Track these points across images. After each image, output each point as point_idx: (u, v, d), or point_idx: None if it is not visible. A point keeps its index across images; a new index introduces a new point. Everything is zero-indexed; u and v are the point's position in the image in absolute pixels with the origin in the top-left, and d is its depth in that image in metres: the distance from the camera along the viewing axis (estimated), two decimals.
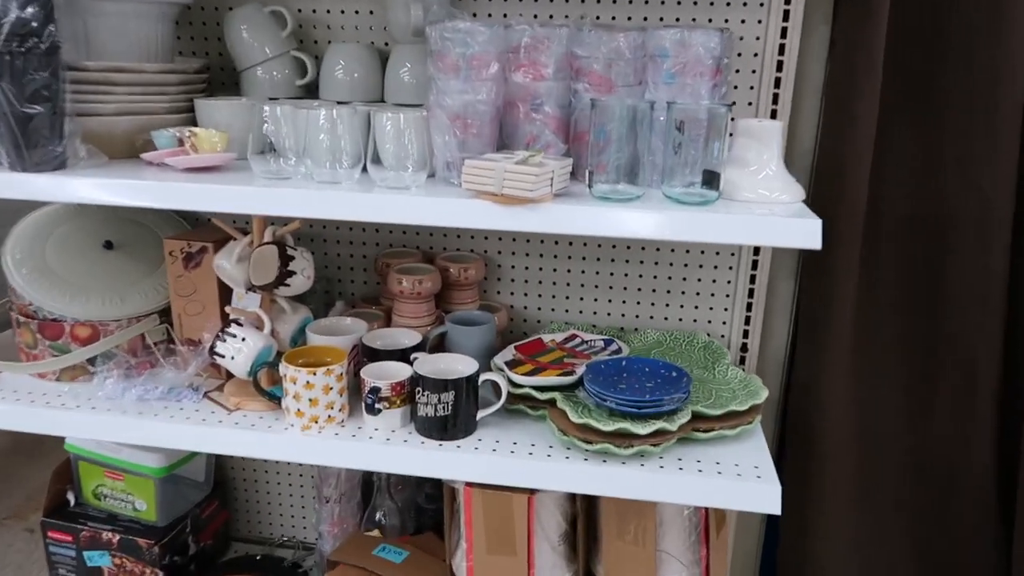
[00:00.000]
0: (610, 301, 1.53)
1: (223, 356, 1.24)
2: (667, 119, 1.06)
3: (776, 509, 1.11)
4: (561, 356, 1.36)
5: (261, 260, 1.24)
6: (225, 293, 1.34)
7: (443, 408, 1.18)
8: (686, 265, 1.49)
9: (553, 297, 1.55)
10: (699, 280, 1.49)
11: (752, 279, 1.47)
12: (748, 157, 1.11)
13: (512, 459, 1.16)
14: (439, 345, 1.37)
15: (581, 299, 1.54)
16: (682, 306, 1.52)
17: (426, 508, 1.59)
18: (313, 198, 1.09)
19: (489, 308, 1.51)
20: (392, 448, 1.18)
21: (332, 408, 1.22)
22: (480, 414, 1.22)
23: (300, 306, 1.36)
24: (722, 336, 1.53)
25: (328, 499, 1.58)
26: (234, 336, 1.24)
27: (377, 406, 1.19)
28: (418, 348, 1.30)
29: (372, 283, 1.60)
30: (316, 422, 1.21)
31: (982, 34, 1.29)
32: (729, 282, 1.49)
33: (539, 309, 1.56)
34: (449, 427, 1.19)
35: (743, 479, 1.12)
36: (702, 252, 1.48)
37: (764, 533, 1.68)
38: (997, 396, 1.45)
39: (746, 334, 1.51)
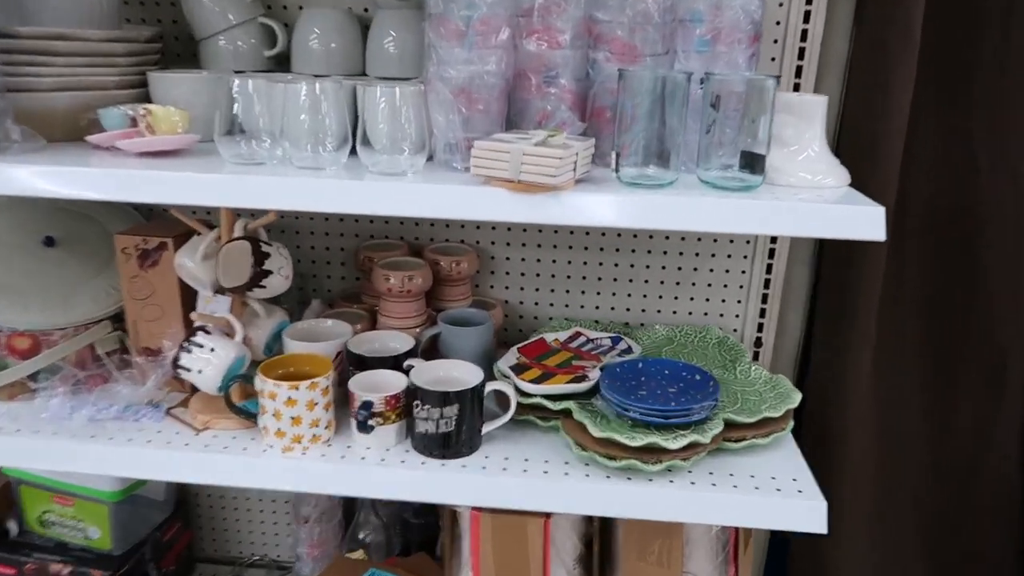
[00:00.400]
0: (614, 294, 1.41)
1: (189, 370, 1.08)
2: (704, 92, 0.93)
3: (823, 527, 1.00)
4: (568, 358, 1.23)
5: (232, 258, 1.08)
6: (188, 296, 1.18)
7: (446, 424, 1.04)
8: (697, 254, 1.37)
9: (552, 291, 1.42)
10: (711, 270, 1.38)
11: (768, 268, 1.36)
12: (787, 136, 0.99)
13: (526, 479, 1.03)
14: (431, 348, 1.23)
15: (583, 292, 1.41)
16: (692, 299, 1.40)
17: (414, 523, 1.46)
18: (293, 187, 0.93)
19: (483, 305, 1.37)
20: (389, 471, 1.04)
21: (317, 426, 1.07)
22: (486, 428, 1.09)
23: (275, 308, 1.20)
24: (735, 330, 1.42)
25: (307, 519, 1.43)
26: (201, 346, 1.08)
27: (370, 423, 1.05)
28: (410, 353, 1.16)
29: (351, 278, 1.45)
30: (299, 442, 1.06)
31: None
32: (744, 272, 1.37)
33: (536, 304, 1.43)
34: (452, 444, 1.06)
35: (784, 495, 1.01)
36: (714, 240, 1.36)
37: (770, 538, 1.59)
38: None
39: (760, 327, 1.40)
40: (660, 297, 1.40)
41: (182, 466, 1.07)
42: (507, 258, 1.40)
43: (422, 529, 1.45)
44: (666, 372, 1.16)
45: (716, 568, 1.15)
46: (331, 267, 1.44)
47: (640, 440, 1.00)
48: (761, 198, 0.90)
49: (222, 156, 0.99)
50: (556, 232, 1.38)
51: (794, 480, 1.05)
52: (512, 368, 1.16)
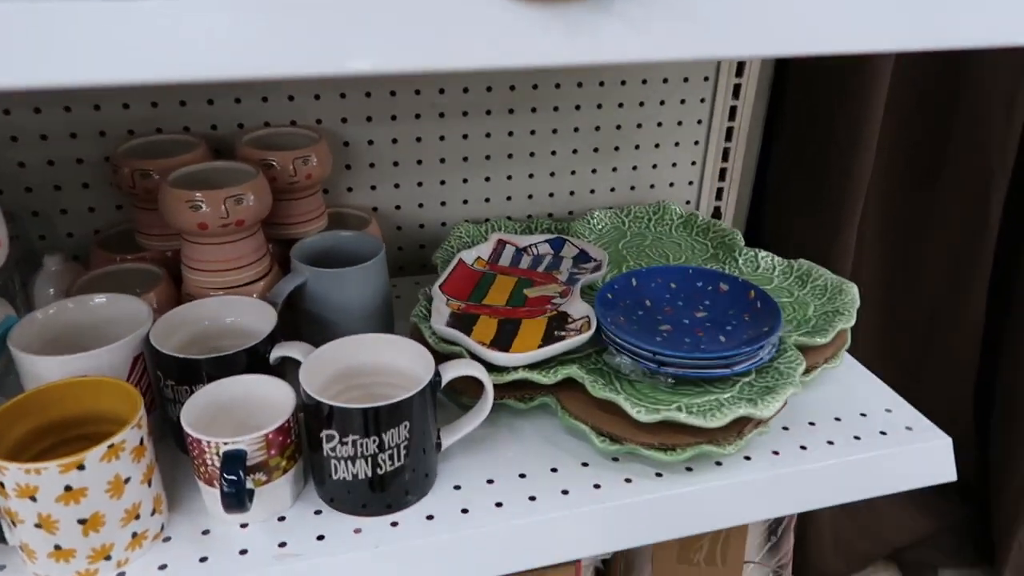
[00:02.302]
0: (531, 177, 0.97)
1: None
2: None
3: (952, 471, 0.71)
4: (515, 286, 0.80)
5: None
6: None
7: (390, 459, 0.58)
8: (621, 105, 0.96)
9: (442, 184, 0.94)
10: (659, 124, 0.98)
11: (732, 113, 1.00)
12: None
13: (538, 514, 0.61)
14: (291, 313, 0.73)
15: (487, 180, 0.95)
16: (635, 167, 1.00)
17: None
18: None
19: (349, 222, 0.87)
20: (310, 566, 0.56)
21: (136, 518, 0.55)
22: (448, 440, 0.64)
23: None
24: (687, 202, 1.06)
25: None
26: None
27: (247, 487, 0.55)
28: (273, 336, 0.65)
29: (107, 211, 0.86)
30: (103, 558, 0.54)
31: None
32: (700, 122, 1.00)
33: (420, 206, 0.95)
34: (402, 485, 0.60)
35: (897, 440, 0.69)
36: (664, 80, 0.96)
37: None
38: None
39: (720, 194, 1.05)
40: (594, 171, 0.99)
41: None
42: (369, 140, 0.90)
43: None
44: (673, 287, 0.78)
45: (763, 555, 0.83)
46: (63, 193, 0.84)
47: (723, 417, 0.61)
48: None
49: None
50: (443, 91, 0.89)
51: (888, 411, 0.73)
52: (453, 324, 0.71)
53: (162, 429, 0.66)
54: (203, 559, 0.56)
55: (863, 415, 0.72)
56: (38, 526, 0.51)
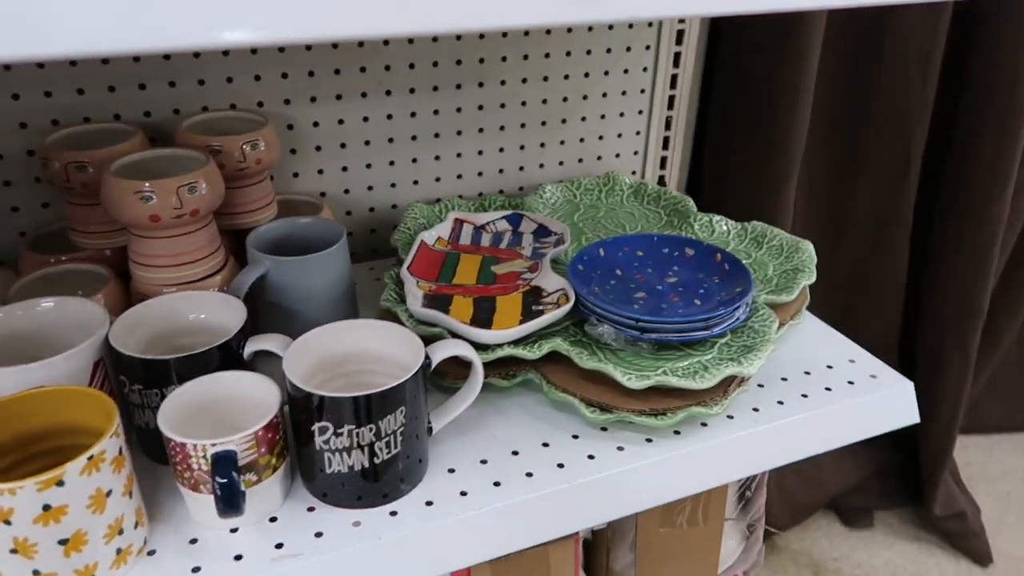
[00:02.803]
0: (481, 154, 0.95)
1: None
2: None
3: (915, 415, 0.74)
4: (481, 264, 0.78)
5: None
6: None
7: (386, 446, 0.56)
8: (566, 77, 0.96)
9: (392, 164, 0.92)
10: (603, 95, 0.98)
11: (673, 81, 1.01)
12: None
13: (538, 489, 0.60)
14: (251, 302, 0.70)
15: (436, 158, 0.93)
16: (583, 139, 1.00)
17: None
18: None
19: (296, 209, 0.84)
20: (308, 565, 0.54)
21: (119, 534, 0.51)
22: (438, 423, 0.62)
23: None
24: (633, 172, 1.06)
25: None
26: None
27: (240, 490, 0.52)
28: (244, 330, 0.62)
29: (32, 209, 0.79)
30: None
31: None
32: (643, 91, 1.00)
33: (370, 189, 0.92)
34: (397, 473, 0.58)
35: (865, 387, 0.72)
36: (608, 50, 0.96)
37: None
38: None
39: (664, 163, 1.06)
40: (542, 144, 0.98)
41: None
42: (315, 122, 0.86)
43: None
44: (640, 254, 0.78)
45: (739, 512, 0.85)
46: None
47: (712, 377, 0.62)
48: None
49: None
50: (389, 68, 0.86)
51: (852, 362, 0.76)
52: (429, 306, 0.69)
53: (127, 437, 0.61)
54: (195, 569, 0.53)
55: (829, 367, 0.75)
56: (13, 551, 0.47)
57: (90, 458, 0.48)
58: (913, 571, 1.42)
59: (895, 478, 1.55)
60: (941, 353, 1.38)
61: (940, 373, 1.39)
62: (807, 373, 0.74)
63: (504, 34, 0.88)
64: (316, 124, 0.86)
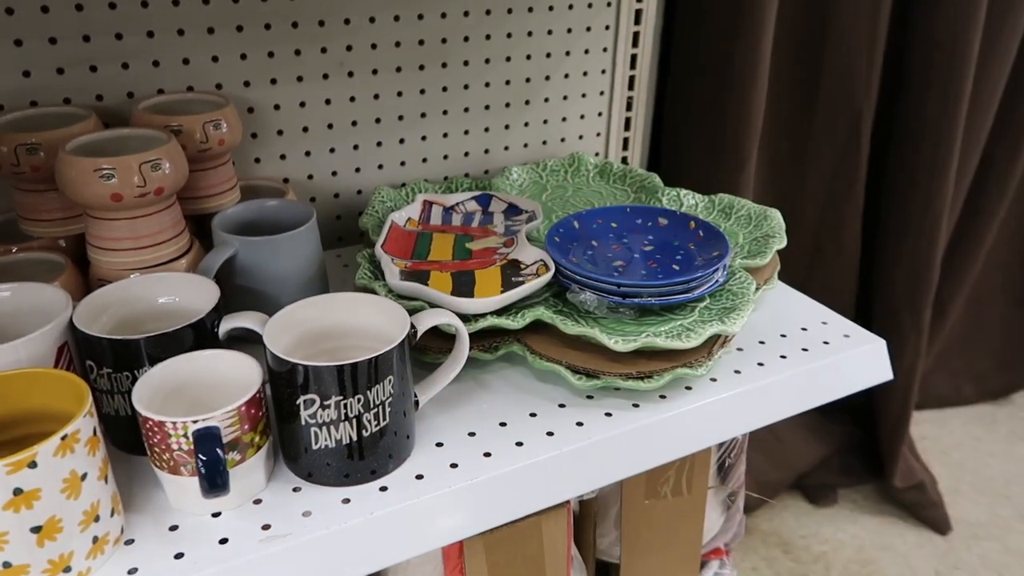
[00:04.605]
0: (446, 136, 0.94)
1: None
2: None
3: (888, 371, 0.75)
4: (455, 242, 0.77)
5: None
6: None
7: (375, 418, 0.54)
8: (528, 58, 0.95)
9: (356, 148, 0.90)
10: (566, 76, 0.98)
11: (633, 62, 1.01)
12: None
13: (532, 458, 0.59)
14: (221, 284, 0.67)
15: (401, 142, 0.92)
16: (546, 121, 1.00)
17: None
18: None
19: (260, 195, 0.81)
20: (297, 546, 0.52)
21: (95, 520, 0.48)
22: (424, 396, 0.60)
23: None
24: (596, 154, 1.06)
25: None
26: None
27: (224, 466, 0.50)
28: (218, 308, 0.59)
29: None
30: (62, 570, 0.47)
31: None
32: (604, 71, 1.00)
33: (334, 175, 0.90)
34: (386, 447, 0.56)
35: (839, 347, 0.73)
36: (569, 30, 0.96)
37: None
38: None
39: (626, 144, 1.07)
40: (506, 126, 0.98)
41: None
42: (276, 106, 0.84)
43: None
44: (614, 226, 0.78)
45: (719, 480, 0.85)
46: None
47: (698, 336, 0.62)
48: None
49: None
50: (350, 48, 0.85)
51: (825, 323, 0.77)
52: (404, 278, 0.67)
53: None
54: (179, 555, 0.50)
55: (804, 329, 0.76)
56: None
57: (63, 438, 0.45)
58: (877, 543, 1.45)
59: (856, 455, 1.58)
60: (897, 324, 1.42)
61: (896, 346, 1.42)
62: (783, 336, 0.75)
63: (466, 13, 0.88)
64: (277, 107, 0.83)
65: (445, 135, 0.94)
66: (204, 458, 0.48)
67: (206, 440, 0.49)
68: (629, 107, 1.03)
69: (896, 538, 1.47)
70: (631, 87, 1.02)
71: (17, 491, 0.44)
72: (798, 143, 1.25)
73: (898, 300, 1.40)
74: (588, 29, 0.96)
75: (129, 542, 0.51)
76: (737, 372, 0.69)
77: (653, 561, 0.81)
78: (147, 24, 0.74)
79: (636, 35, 0.99)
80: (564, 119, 1.00)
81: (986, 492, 1.56)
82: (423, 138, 0.92)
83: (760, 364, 0.70)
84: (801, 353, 0.72)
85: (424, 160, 0.94)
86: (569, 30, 0.95)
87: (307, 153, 0.87)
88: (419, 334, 0.57)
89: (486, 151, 0.97)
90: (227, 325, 0.58)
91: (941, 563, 1.41)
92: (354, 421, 0.53)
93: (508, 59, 0.93)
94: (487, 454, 0.59)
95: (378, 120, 0.89)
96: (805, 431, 1.52)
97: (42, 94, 0.73)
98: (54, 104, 0.73)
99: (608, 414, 0.63)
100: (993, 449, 1.68)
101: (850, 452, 1.58)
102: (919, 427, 1.72)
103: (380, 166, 0.91)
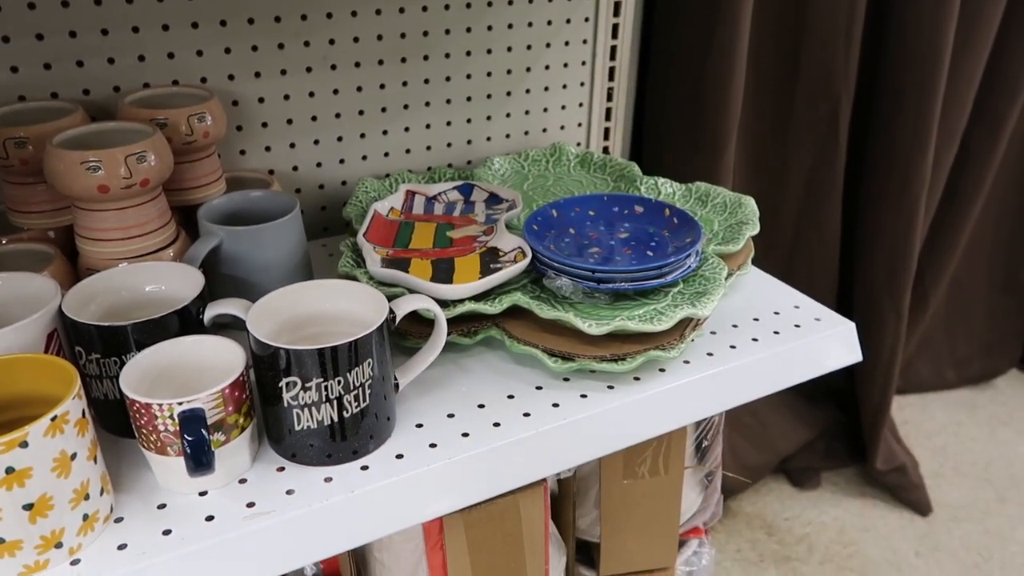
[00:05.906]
0: (428, 127, 0.96)
1: None
2: None
3: (858, 352, 0.78)
4: (436, 230, 0.79)
5: None
6: None
7: (355, 399, 0.56)
8: (509, 49, 0.97)
9: (340, 140, 0.91)
10: (546, 67, 1.00)
11: (613, 53, 1.03)
12: None
13: (508, 438, 0.61)
14: (207, 273, 0.69)
15: (384, 133, 0.93)
16: (527, 112, 1.02)
17: None
18: None
19: (245, 186, 0.83)
20: (285, 522, 0.54)
21: (84, 499, 0.50)
22: (404, 379, 0.62)
23: None
24: (578, 144, 1.08)
25: None
26: None
27: (210, 446, 0.52)
28: (203, 296, 0.61)
29: None
30: (53, 545, 0.49)
31: None
32: (584, 63, 1.02)
33: (319, 166, 0.92)
34: (368, 428, 0.58)
35: (810, 329, 0.75)
36: (549, 22, 0.97)
37: None
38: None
39: (607, 133, 1.09)
40: (488, 117, 0.99)
41: None
42: (260, 98, 0.85)
43: None
44: (591, 214, 0.80)
45: (696, 460, 0.87)
46: None
47: (670, 319, 0.64)
48: None
49: None
50: (332, 41, 0.86)
51: (797, 307, 0.79)
52: (386, 265, 0.69)
53: None
54: (166, 532, 0.52)
55: (776, 313, 0.78)
56: None
57: (53, 419, 0.47)
58: (860, 525, 1.48)
59: (838, 439, 1.61)
60: (877, 309, 1.44)
61: (876, 330, 1.45)
62: (756, 319, 0.77)
63: (447, 6, 0.89)
64: (261, 100, 0.85)
65: (428, 126, 0.96)
66: (189, 439, 0.50)
67: (191, 421, 0.51)
68: (610, 98, 1.05)
69: (878, 520, 1.49)
70: (611, 78, 1.04)
71: (9, 470, 0.45)
72: (778, 133, 1.27)
73: (878, 285, 1.43)
74: (568, 21, 0.98)
75: (119, 520, 0.53)
76: (710, 354, 0.71)
77: (632, 539, 0.83)
78: (132, 20, 0.76)
79: (616, 27, 1.01)
80: (545, 110, 1.02)
81: (967, 475, 1.59)
82: (406, 129, 0.94)
83: (732, 347, 0.72)
84: (773, 336, 0.74)
85: (407, 151, 0.96)
86: (549, 22, 0.97)
87: (292, 145, 0.88)
88: (398, 319, 0.59)
89: (469, 142, 0.99)
90: (212, 312, 0.60)
91: (922, 544, 1.44)
92: (335, 403, 0.55)
93: (489, 51, 0.95)
94: (465, 434, 0.61)
95: (361, 112, 0.90)
96: (789, 416, 1.55)
97: (30, 89, 0.74)
98: (42, 99, 0.75)
99: (583, 395, 0.65)
100: (974, 433, 1.71)
101: (833, 436, 1.61)
102: (902, 412, 1.75)
103: (364, 157, 0.93)
